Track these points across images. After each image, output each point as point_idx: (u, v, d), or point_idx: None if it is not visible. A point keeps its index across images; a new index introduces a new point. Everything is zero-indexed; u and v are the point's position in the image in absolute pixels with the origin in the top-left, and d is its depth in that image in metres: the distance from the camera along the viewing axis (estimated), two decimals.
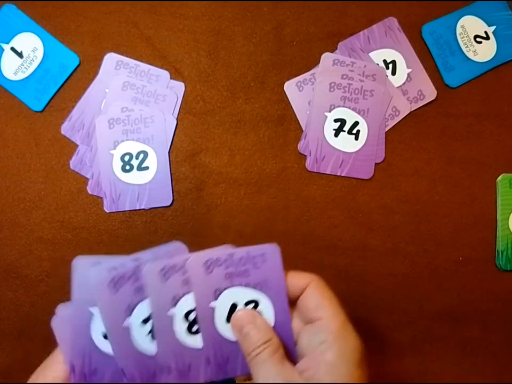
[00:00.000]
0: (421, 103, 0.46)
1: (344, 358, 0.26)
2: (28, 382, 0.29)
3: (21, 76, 0.45)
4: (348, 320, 0.28)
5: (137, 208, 0.44)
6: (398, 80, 0.46)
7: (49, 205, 0.44)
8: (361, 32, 0.46)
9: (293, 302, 0.30)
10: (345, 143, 0.45)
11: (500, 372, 0.44)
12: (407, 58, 0.46)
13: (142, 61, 0.45)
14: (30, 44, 0.45)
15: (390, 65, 0.46)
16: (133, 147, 0.44)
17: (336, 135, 0.45)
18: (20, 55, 0.45)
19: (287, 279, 0.30)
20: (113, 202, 0.44)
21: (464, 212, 0.45)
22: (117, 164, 0.44)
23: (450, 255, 0.45)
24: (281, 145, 0.45)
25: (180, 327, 0.30)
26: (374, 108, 0.45)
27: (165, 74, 0.45)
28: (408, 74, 0.46)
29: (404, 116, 0.45)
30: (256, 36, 0.46)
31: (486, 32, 0.46)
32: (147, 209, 0.44)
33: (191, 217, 0.44)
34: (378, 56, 0.46)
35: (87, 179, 0.44)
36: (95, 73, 0.45)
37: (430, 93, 0.46)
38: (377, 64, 0.46)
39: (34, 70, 0.45)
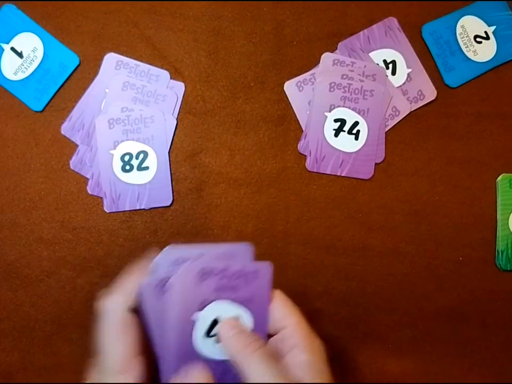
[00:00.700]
0: (421, 103, 0.46)
1: (318, 356, 0.29)
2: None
3: (21, 76, 0.45)
4: (310, 326, 0.30)
5: (137, 208, 0.44)
6: (398, 80, 0.46)
7: (49, 205, 0.44)
8: (361, 32, 0.46)
9: None
10: (345, 143, 0.45)
11: (500, 372, 0.44)
12: (407, 58, 0.46)
13: (142, 61, 0.45)
14: (30, 43, 0.45)
15: (390, 65, 0.46)
16: (133, 147, 0.44)
17: (336, 135, 0.45)
18: (20, 55, 0.45)
19: None
20: (113, 202, 0.44)
21: (464, 211, 0.45)
22: (117, 164, 0.44)
23: (450, 255, 0.45)
24: (281, 145, 0.45)
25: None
26: (374, 108, 0.45)
27: (165, 74, 0.45)
28: (408, 74, 0.46)
29: (404, 116, 0.45)
30: (256, 35, 0.46)
31: (486, 32, 0.46)
32: (147, 209, 0.44)
33: (191, 217, 0.44)
34: (378, 56, 0.46)
35: (87, 179, 0.44)
36: (95, 73, 0.45)
37: (430, 93, 0.46)
38: (377, 64, 0.46)
39: (34, 70, 0.45)
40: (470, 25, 0.46)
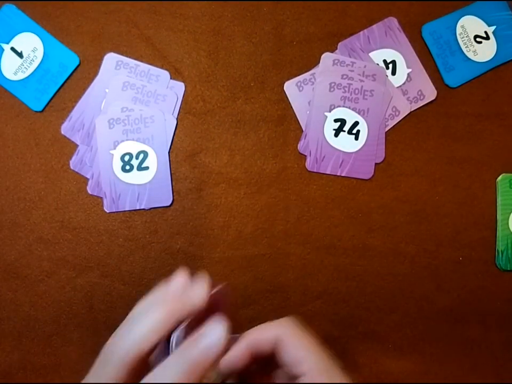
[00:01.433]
0: (421, 103, 0.46)
1: None
2: None
3: (21, 76, 0.45)
4: (331, 363, 0.26)
5: (137, 208, 0.44)
6: (398, 80, 0.46)
7: (49, 205, 0.44)
8: (361, 32, 0.46)
9: (270, 359, 0.28)
10: (345, 143, 0.45)
11: (500, 372, 0.44)
12: (407, 58, 0.46)
13: (142, 61, 0.45)
14: (30, 43, 0.45)
15: (390, 65, 0.46)
16: (133, 147, 0.44)
17: (336, 135, 0.45)
18: (20, 55, 0.45)
19: (254, 334, 0.28)
20: (113, 202, 0.44)
21: (464, 211, 0.45)
22: (117, 164, 0.44)
23: (450, 255, 0.45)
24: (281, 145, 0.45)
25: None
26: (374, 108, 0.45)
27: (165, 74, 0.45)
28: (408, 74, 0.46)
29: (404, 116, 0.45)
30: (256, 35, 0.46)
31: (486, 32, 0.46)
32: (147, 209, 0.44)
33: (191, 217, 0.44)
34: (378, 56, 0.46)
35: (87, 179, 0.44)
36: (95, 73, 0.45)
37: (430, 93, 0.46)
38: (377, 64, 0.46)
39: (34, 70, 0.45)
40: (470, 25, 0.46)
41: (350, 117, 0.45)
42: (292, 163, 0.45)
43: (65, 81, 0.45)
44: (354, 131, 0.45)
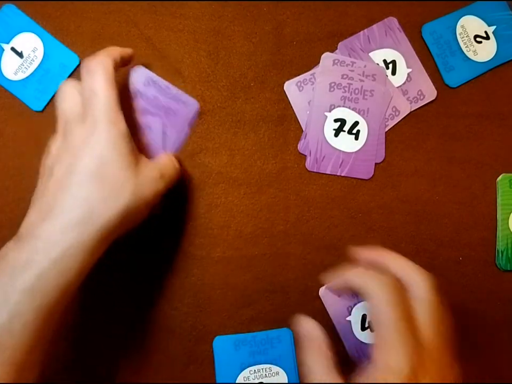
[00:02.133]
0: (421, 103, 0.46)
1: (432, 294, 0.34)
2: None
3: (21, 76, 0.45)
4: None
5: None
6: (398, 80, 0.46)
7: None
8: (361, 32, 0.46)
9: None
10: (345, 143, 0.45)
11: (500, 372, 0.44)
12: (407, 58, 0.46)
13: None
14: (30, 43, 0.45)
15: (390, 65, 0.46)
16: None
17: (336, 135, 0.45)
18: (20, 55, 0.45)
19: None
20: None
21: (464, 211, 0.45)
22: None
23: (450, 255, 0.45)
24: (281, 145, 0.45)
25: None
26: (374, 108, 0.45)
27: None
28: (408, 74, 0.46)
29: (404, 116, 0.45)
30: (256, 35, 0.46)
31: (486, 32, 0.46)
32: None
33: (191, 217, 0.44)
34: (378, 56, 0.46)
35: None
36: None
37: (430, 93, 0.46)
38: (377, 64, 0.46)
39: (35, 70, 0.45)
40: (470, 25, 0.46)
41: (350, 117, 0.45)
42: (292, 163, 0.45)
43: None
44: (354, 131, 0.45)
